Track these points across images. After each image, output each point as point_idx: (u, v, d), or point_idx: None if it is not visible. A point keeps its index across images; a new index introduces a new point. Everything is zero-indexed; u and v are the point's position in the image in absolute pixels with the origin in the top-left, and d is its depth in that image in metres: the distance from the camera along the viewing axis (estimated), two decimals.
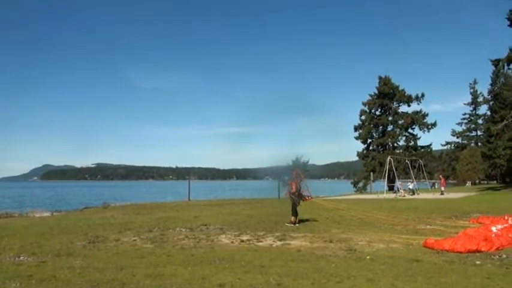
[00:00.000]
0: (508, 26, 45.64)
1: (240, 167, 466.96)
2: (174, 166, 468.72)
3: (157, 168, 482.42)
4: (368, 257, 10.45)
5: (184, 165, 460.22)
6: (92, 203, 43.53)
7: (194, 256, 10.81)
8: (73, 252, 11.56)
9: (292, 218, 18.01)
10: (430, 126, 76.91)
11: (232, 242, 13.37)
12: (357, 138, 79.60)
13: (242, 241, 13.56)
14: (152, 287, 7.75)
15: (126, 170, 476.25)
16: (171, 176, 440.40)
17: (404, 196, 44.15)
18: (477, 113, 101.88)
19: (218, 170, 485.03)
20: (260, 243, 13.10)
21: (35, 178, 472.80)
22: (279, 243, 13.16)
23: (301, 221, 18.58)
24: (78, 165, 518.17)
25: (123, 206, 32.74)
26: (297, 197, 18.52)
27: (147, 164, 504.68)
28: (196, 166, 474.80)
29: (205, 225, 18.05)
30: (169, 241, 13.63)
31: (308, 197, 19.30)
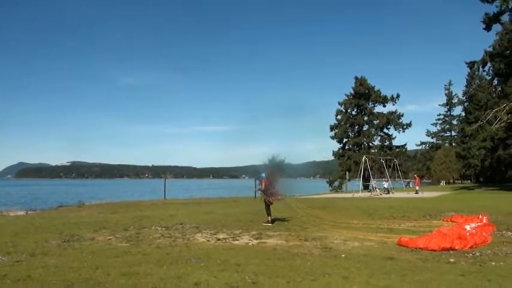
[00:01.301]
0: (484, 29, 46.30)
1: (216, 165, 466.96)
2: (150, 164, 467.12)
3: (133, 167, 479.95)
4: (343, 255, 10.54)
5: (160, 164, 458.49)
6: (67, 201, 43.11)
7: (170, 255, 10.80)
8: (48, 252, 11.47)
9: (269, 218, 18.09)
10: (405, 127, 77.73)
11: (208, 241, 13.38)
12: (332, 137, 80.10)
13: (218, 240, 13.57)
14: (127, 286, 7.73)
15: (102, 168, 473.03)
16: (147, 175, 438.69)
17: (380, 195, 44.53)
18: (452, 113, 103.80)
19: (195, 169, 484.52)
20: (236, 242, 13.13)
21: (9, 176, 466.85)
22: (255, 241, 13.21)
23: (277, 219, 18.65)
24: (53, 163, 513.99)
25: (99, 205, 32.50)
26: (268, 196, 18.57)
27: (122, 162, 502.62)
28: (173, 164, 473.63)
29: (181, 224, 18.04)
30: (144, 240, 13.60)
31: (274, 197, 19.07)
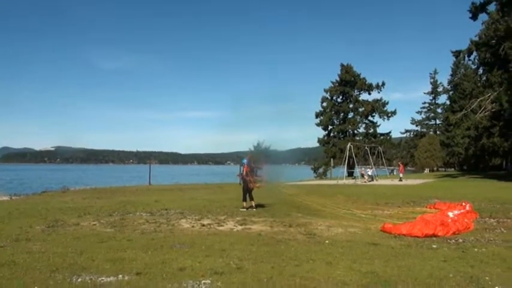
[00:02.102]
0: (470, 18, 46.48)
1: (201, 151, 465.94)
2: (134, 150, 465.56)
3: (118, 152, 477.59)
4: (327, 241, 10.61)
5: (145, 149, 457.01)
6: (51, 186, 42.83)
7: (154, 240, 10.81)
8: (32, 237, 11.42)
9: (244, 203, 18.23)
10: (390, 114, 77.93)
11: (193, 227, 13.39)
12: (318, 124, 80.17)
13: (203, 225, 13.59)
14: (112, 272, 7.73)
15: (86, 154, 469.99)
16: (131, 160, 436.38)
17: (366, 182, 44.84)
18: (437, 102, 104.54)
19: (179, 155, 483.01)
20: (221, 228, 13.16)
21: None
22: (239, 227, 13.24)
23: (260, 205, 18.73)
24: (37, 148, 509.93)
25: (83, 190, 32.46)
26: (248, 182, 18.64)
27: (107, 148, 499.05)
28: (157, 150, 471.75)
29: (166, 209, 18.05)
30: (129, 225, 13.59)
31: (254, 183, 19.08)
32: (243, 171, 19.02)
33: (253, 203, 18.23)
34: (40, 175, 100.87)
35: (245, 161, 19.12)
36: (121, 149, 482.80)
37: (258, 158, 19.41)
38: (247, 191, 18.51)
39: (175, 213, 16.69)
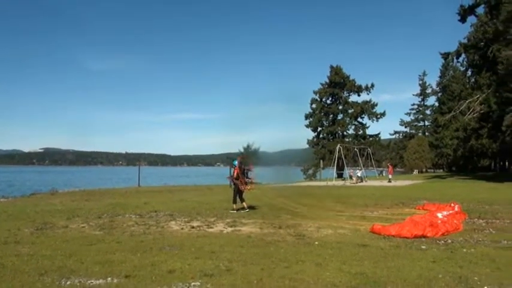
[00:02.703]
0: (459, 20, 46.76)
1: (191, 153, 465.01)
2: (124, 152, 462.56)
3: (107, 154, 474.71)
4: (316, 243, 10.63)
5: (134, 151, 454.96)
6: (40, 189, 42.57)
7: (144, 243, 10.78)
8: (21, 240, 11.36)
9: (234, 206, 18.21)
10: (379, 116, 78.44)
11: (182, 229, 13.38)
12: (307, 126, 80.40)
13: (192, 227, 13.58)
14: (101, 274, 7.70)
15: (75, 155, 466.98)
16: (120, 162, 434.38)
17: (356, 183, 44.94)
18: (425, 104, 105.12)
19: (169, 156, 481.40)
20: (210, 230, 13.15)
21: None
22: (229, 229, 13.24)
23: (250, 207, 18.72)
24: (26, 149, 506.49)
25: (72, 192, 32.27)
26: (238, 184, 18.63)
27: (96, 149, 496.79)
28: (147, 152, 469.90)
29: (155, 211, 18.01)
30: (118, 228, 13.54)
31: (244, 186, 19.08)
32: (234, 173, 19.00)
33: (244, 205, 18.22)
34: (29, 177, 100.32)
35: (236, 162, 19.10)
36: (110, 151, 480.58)
37: (248, 160, 19.36)
38: (237, 193, 18.49)
39: (165, 215, 16.66)
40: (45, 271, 7.94)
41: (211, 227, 13.62)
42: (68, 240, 11.24)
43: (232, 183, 19.07)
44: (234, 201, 18.36)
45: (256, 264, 8.31)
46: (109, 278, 7.42)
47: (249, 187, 18.92)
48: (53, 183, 56.54)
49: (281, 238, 11.42)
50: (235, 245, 10.45)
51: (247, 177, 19.09)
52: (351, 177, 49.40)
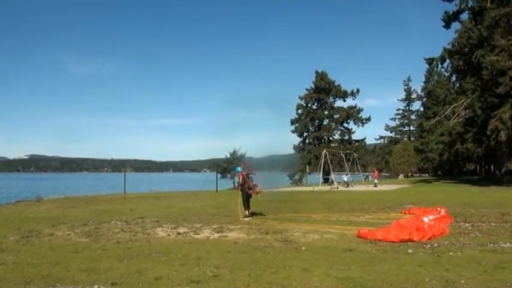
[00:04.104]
0: (443, 26, 47.21)
1: (177, 159, 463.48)
2: (109, 158, 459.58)
3: (92, 160, 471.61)
4: (303, 248, 10.64)
5: (120, 157, 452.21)
6: (25, 196, 42.31)
7: (130, 249, 10.73)
8: (6, 248, 11.27)
9: (246, 212, 17.88)
10: (364, 121, 78.78)
11: (168, 235, 13.33)
12: (293, 131, 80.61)
13: (179, 234, 13.53)
14: (87, 282, 7.66)
15: (60, 162, 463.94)
16: (106, 168, 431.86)
17: (337, 188, 45.05)
18: (410, 109, 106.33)
19: (155, 162, 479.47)
20: (197, 236, 13.11)
21: None
22: (216, 235, 13.21)
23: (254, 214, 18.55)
24: (10, 156, 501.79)
25: (57, 199, 32.08)
26: (246, 189, 18.38)
27: (81, 156, 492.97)
28: (133, 158, 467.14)
29: (141, 218, 17.94)
30: (104, 235, 13.47)
31: (254, 189, 18.85)
32: (239, 178, 18.80)
33: (246, 212, 17.94)
34: (14, 184, 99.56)
35: (239, 168, 18.95)
36: (95, 157, 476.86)
37: (251, 165, 19.21)
38: (246, 199, 18.33)
39: (151, 222, 16.59)
40: (31, 279, 7.89)
41: (198, 233, 13.58)
42: (54, 248, 11.16)
43: (239, 190, 18.84)
44: (246, 207, 18.11)
45: (243, 270, 8.30)
46: (95, 286, 7.38)
47: (257, 190, 18.70)
48: (38, 190, 56.14)
49: (268, 243, 11.41)
50: (222, 251, 10.44)
51: (252, 182, 18.89)
52: (332, 181, 49.56)
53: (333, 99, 80.00)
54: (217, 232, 13.77)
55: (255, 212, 18.62)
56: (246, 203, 18.12)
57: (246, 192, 18.22)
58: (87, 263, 9.21)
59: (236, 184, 20.16)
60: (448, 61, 49.28)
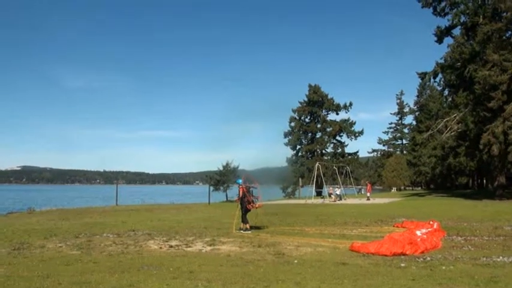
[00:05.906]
0: (436, 41, 47.52)
1: (169, 171, 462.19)
2: (101, 170, 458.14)
3: (85, 172, 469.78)
4: (296, 261, 10.63)
5: (112, 169, 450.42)
6: (16, 207, 42.12)
7: (122, 263, 10.68)
8: None
9: (248, 225, 17.78)
10: (357, 134, 78.86)
11: (160, 248, 13.29)
12: (286, 144, 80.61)
13: (171, 246, 13.50)
14: None
15: (52, 174, 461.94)
16: (98, 180, 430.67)
17: (335, 201, 45.03)
18: (403, 122, 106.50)
19: (147, 175, 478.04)
20: (189, 249, 13.08)
21: None
22: (208, 248, 13.18)
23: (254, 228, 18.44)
24: (3, 167, 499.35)
25: (49, 211, 31.92)
26: (246, 203, 18.27)
27: (74, 168, 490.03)
28: (125, 170, 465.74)
29: (133, 230, 17.87)
30: (96, 247, 13.42)
31: (253, 204, 18.73)
32: (239, 192, 18.69)
33: (247, 226, 17.83)
34: (5, 196, 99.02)
35: (240, 181, 18.86)
36: (88, 169, 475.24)
37: (252, 177, 19.10)
38: (245, 213, 18.15)
39: (143, 234, 16.54)
40: None
41: (190, 246, 13.56)
42: (45, 261, 11.10)
43: (238, 204, 18.73)
44: (245, 221, 17.95)
45: (235, 284, 8.27)
46: None
47: (257, 205, 18.63)
48: (30, 202, 55.94)
49: (260, 257, 11.39)
50: (214, 264, 10.41)
51: (253, 196, 18.79)
52: (329, 195, 49.50)
53: (326, 113, 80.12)
54: (210, 245, 13.74)
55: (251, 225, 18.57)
56: (245, 217, 18.04)
57: (245, 207, 18.16)
58: (78, 275, 9.16)
59: (236, 197, 19.95)
60: (440, 75, 49.50)
